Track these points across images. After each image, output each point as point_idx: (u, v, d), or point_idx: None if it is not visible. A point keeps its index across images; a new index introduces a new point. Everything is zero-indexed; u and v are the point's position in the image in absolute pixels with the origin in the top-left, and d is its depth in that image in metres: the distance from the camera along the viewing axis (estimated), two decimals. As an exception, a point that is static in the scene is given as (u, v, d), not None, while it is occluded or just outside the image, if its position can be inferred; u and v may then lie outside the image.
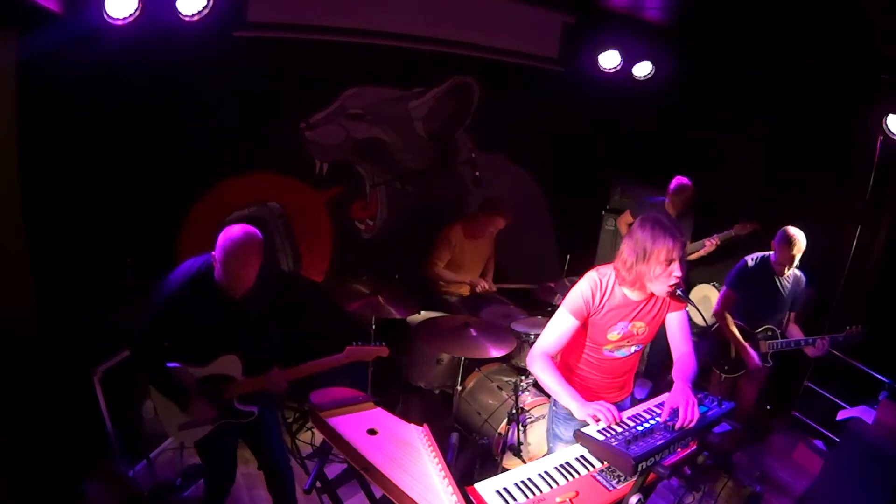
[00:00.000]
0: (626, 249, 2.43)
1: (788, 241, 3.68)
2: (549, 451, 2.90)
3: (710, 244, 4.68)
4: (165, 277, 2.55)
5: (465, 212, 5.19)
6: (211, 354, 2.62)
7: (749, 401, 4.03)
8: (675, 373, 2.50)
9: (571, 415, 2.68)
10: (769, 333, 3.89)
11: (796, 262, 3.75)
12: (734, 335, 3.86)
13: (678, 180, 4.70)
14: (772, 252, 3.83)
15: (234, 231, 2.43)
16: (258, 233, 2.50)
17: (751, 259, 3.90)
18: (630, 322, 2.56)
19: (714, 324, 4.05)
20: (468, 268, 4.79)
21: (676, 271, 2.36)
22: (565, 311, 2.54)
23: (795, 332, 3.93)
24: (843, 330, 3.69)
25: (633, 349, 2.67)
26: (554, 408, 2.84)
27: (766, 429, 4.66)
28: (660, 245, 2.33)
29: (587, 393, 2.60)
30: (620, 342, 2.60)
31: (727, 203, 4.73)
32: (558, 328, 2.55)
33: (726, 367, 4.00)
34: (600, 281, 2.52)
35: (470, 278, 4.74)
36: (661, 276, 2.37)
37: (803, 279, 3.88)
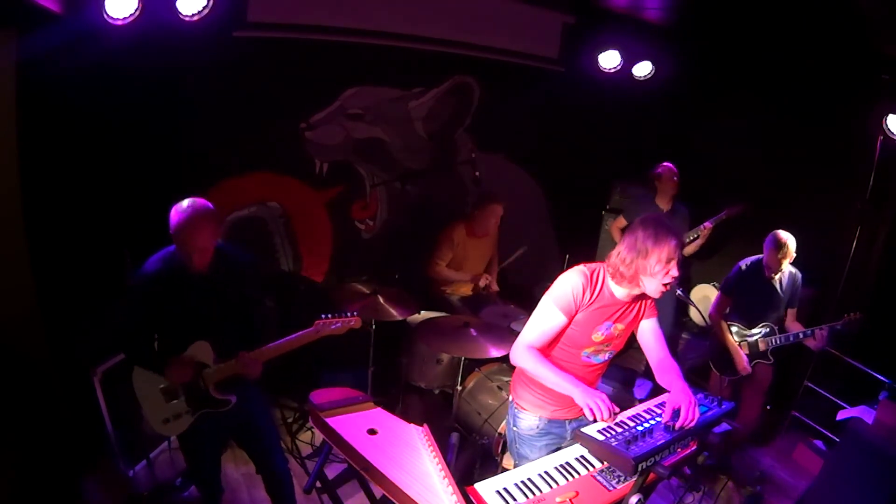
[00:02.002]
0: (625, 247, 2.41)
1: (777, 246, 3.68)
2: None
3: (704, 230, 4.68)
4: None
5: (465, 212, 5.19)
6: (183, 342, 2.65)
7: (752, 412, 4.00)
8: (667, 377, 2.46)
9: (534, 434, 2.67)
10: (767, 330, 3.90)
11: (783, 266, 3.75)
12: (728, 340, 3.88)
13: (664, 166, 4.72)
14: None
15: (181, 204, 2.52)
16: (207, 203, 2.55)
17: (744, 264, 3.93)
18: (613, 323, 2.53)
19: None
20: (470, 267, 4.79)
21: (674, 270, 2.37)
22: (553, 307, 2.45)
23: (796, 329, 3.94)
24: (842, 318, 3.69)
25: (607, 355, 2.64)
26: (515, 427, 2.74)
27: (766, 429, 4.66)
28: (661, 244, 2.33)
29: (560, 402, 2.59)
30: (601, 345, 2.56)
31: (727, 203, 4.73)
32: (545, 324, 2.48)
33: (728, 370, 4.00)
34: (591, 276, 2.48)
35: (472, 275, 4.74)
36: (659, 274, 2.37)
37: (799, 276, 3.90)
